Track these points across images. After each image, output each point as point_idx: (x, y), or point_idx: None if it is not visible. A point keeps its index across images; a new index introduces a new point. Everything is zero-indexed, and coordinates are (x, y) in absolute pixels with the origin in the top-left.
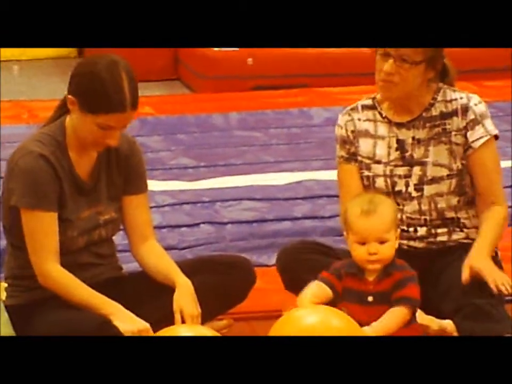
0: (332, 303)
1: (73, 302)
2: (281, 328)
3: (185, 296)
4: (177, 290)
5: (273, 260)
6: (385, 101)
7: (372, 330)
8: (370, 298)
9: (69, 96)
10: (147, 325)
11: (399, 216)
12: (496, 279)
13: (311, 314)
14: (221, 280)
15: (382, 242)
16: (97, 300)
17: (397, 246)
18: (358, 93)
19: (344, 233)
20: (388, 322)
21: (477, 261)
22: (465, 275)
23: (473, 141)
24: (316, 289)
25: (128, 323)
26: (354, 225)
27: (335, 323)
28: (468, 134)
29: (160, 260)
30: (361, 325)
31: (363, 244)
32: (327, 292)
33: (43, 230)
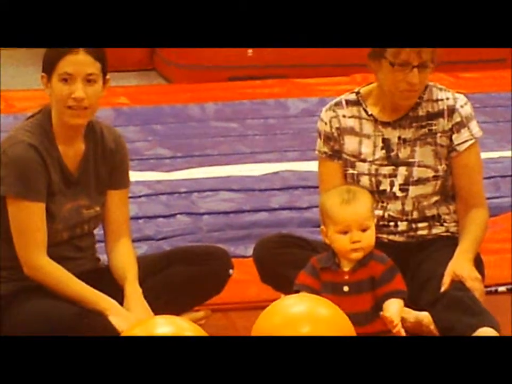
0: None
1: (64, 295)
2: (268, 317)
3: (131, 307)
4: (125, 299)
5: (250, 251)
6: (402, 106)
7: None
8: (346, 288)
9: (41, 74)
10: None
11: (381, 213)
12: (478, 289)
13: (298, 303)
14: (198, 271)
15: (364, 229)
16: (91, 294)
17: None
18: (335, 84)
19: (322, 227)
20: (397, 313)
21: (461, 268)
22: (446, 281)
23: (458, 144)
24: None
25: (123, 320)
26: (336, 215)
27: (322, 312)
28: (453, 136)
29: (122, 262)
30: None
31: (345, 233)
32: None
33: (31, 221)
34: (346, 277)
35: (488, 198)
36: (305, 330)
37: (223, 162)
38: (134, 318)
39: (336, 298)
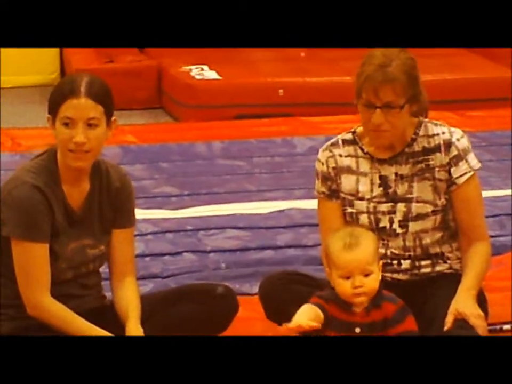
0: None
1: (68, 334)
2: None
3: None
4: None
5: (255, 289)
6: (377, 146)
7: None
8: (357, 330)
9: (47, 116)
10: None
11: (383, 251)
12: (481, 326)
13: None
14: (204, 309)
15: (366, 274)
16: (95, 333)
17: (380, 277)
18: (341, 122)
19: (326, 269)
20: None
21: (464, 306)
22: (449, 320)
23: (457, 177)
24: (309, 310)
25: None
26: (338, 260)
27: None
28: (452, 170)
29: (126, 301)
30: None
31: (347, 278)
32: (320, 314)
33: (36, 262)
34: (358, 318)
35: (493, 237)
36: None
37: (230, 200)
38: None
39: None
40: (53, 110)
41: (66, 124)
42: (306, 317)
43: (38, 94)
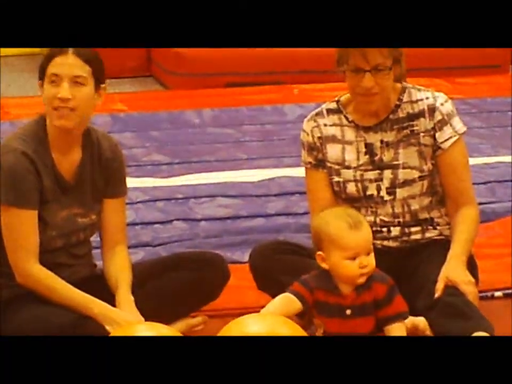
0: (300, 315)
1: (57, 301)
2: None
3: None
4: (116, 304)
5: (247, 257)
6: (367, 111)
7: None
8: (348, 312)
9: (38, 82)
10: (133, 319)
11: (372, 219)
12: (472, 293)
13: (258, 322)
14: (195, 277)
15: (369, 253)
16: (84, 299)
17: None
18: (331, 89)
19: (319, 253)
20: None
21: (454, 273)
22: (439, 286)
23: (442, 142)
24: (282, 301)
25: (117, 325)
26: (344, 241)
27: (282, 332)
28: (437, 135)
29: (116, 270)
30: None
31: (354, 258)
32: (296, 304)
33: (23, 229)
34: (349, 300)
35: (484, 203)
36: None
37: (220, 169)
38: (125, 321)
39: (339, 321)
40: (42, 72)
41: (52, 82)
42: (277, 309)
43: (26, 63)
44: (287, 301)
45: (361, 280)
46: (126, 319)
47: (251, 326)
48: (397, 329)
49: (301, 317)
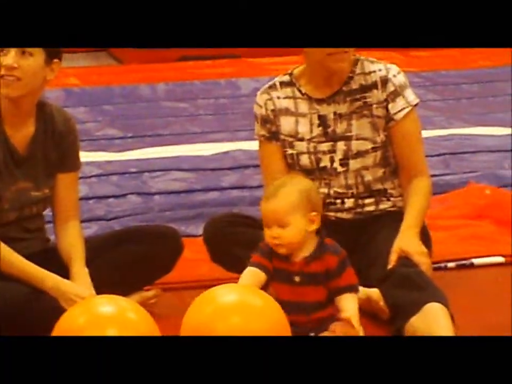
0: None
1: (11, 274)
2: (199, 308)
3: (78, 285)
4: (70, 280)
5: (201, 230)
6: (338, 72)
7: (353, 314)
8: (297, 279)
9: None
10: (87, 293)
11: (326, 191)
12: (425, 263)
13: (229, 293)
14: (148, 251)
15: (282, 226)
16: (36, 273)
17: (312, 229)
18: (286, 63)
19: None
20: (353, 307)
21: (407, 244)
22: (393, 258)
23: (394, 113)
24: (249, 276)
25: (68, 299)
26: (261, 210)
27: (253, 301)
28: (389, 106)
29: (69, 244)
30: (289, 304)
31: (268, 227)
32: (261, 276)
33: None
34: (298, 268)
35: (438, 175)
36: (236, 320)
37: (174, 142)
38: (79, 294)
39: (288, 287)
40: None
41: (1, 51)
42: (248, 282)
43: None
44: (252, 275)
45: (279, 250)
46: (79, 293)
47: (223, 296)
48: (347, 300)
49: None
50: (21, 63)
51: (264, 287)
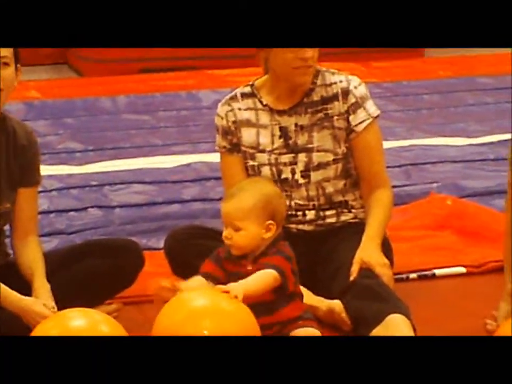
0: None
1: None
2: (169, 313)
3: (41, 300)
4: (33, 294)
5: (162, 243)
6: (302, 84)
7: (240, 288)
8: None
9: None
10: (48, 313)
11: (287, 202)
12: (386, 275)
13: (199, 298)
14: (109, 264)
15: (235, 229)
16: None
17: (267, 237)
18: (246, 75)
19: None
20: (254, 280)
21: (368, 255)
22: (355, 269)
23: (355, 125)
24: (195, 284)
25: (28, 317)
26: (221, 207)
27: (224, 306)
28: (350, 118)
29: (29, 258)
30: (251, 306)
31: (225, 227)
32: (210, 284)
33: None
34: (249, 267)
35: (399, 186)
36: (207, 324)
37: (135, 155)
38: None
39: None
40: None
41: None
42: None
43: None
44: (197, 284)
45: (232, 250)
46: (41, 312)
47: (193, 300)
48: (259, 273)
49: None
50: (3, 74)
51: None
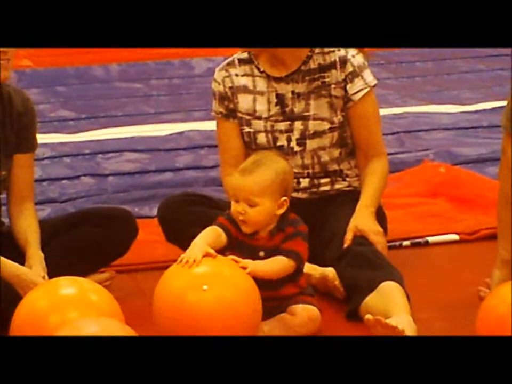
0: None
1: None
2: (169, 278)
3: (34, 271)
4: (26, 263)
5: (155, 211)
6: (271, 60)
7: (252, 265)
8: (261, 253)
9: None
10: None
11: None
12: (381, 242)
13: (203, 264)
14: (102, 233)
15: (251, 205)
16: None
17: (279, 213)
18: None
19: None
20: (269, 265)
21: (363, 223)
22: (348, 237)
23: (353, 94)
24: (210, 234)
25: (22, 284)
26: (231, 181)
27: (226, 272)
28: (347, 86)
29: (25, 226)
30: (256, 279)
31: (236, 201)
32: (222, 237)
33: None
34: (263, 242)
35: (392, 154)
36: (207, 281)
37: (128, 123)
38: (34, 281)
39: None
40: None
41: None
42: (206, 241)
43: None
44: (214, 233)
45: (243, 227)
46: (34, 281)
47: (195, 267)
48: (277, 260)
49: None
50: None
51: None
